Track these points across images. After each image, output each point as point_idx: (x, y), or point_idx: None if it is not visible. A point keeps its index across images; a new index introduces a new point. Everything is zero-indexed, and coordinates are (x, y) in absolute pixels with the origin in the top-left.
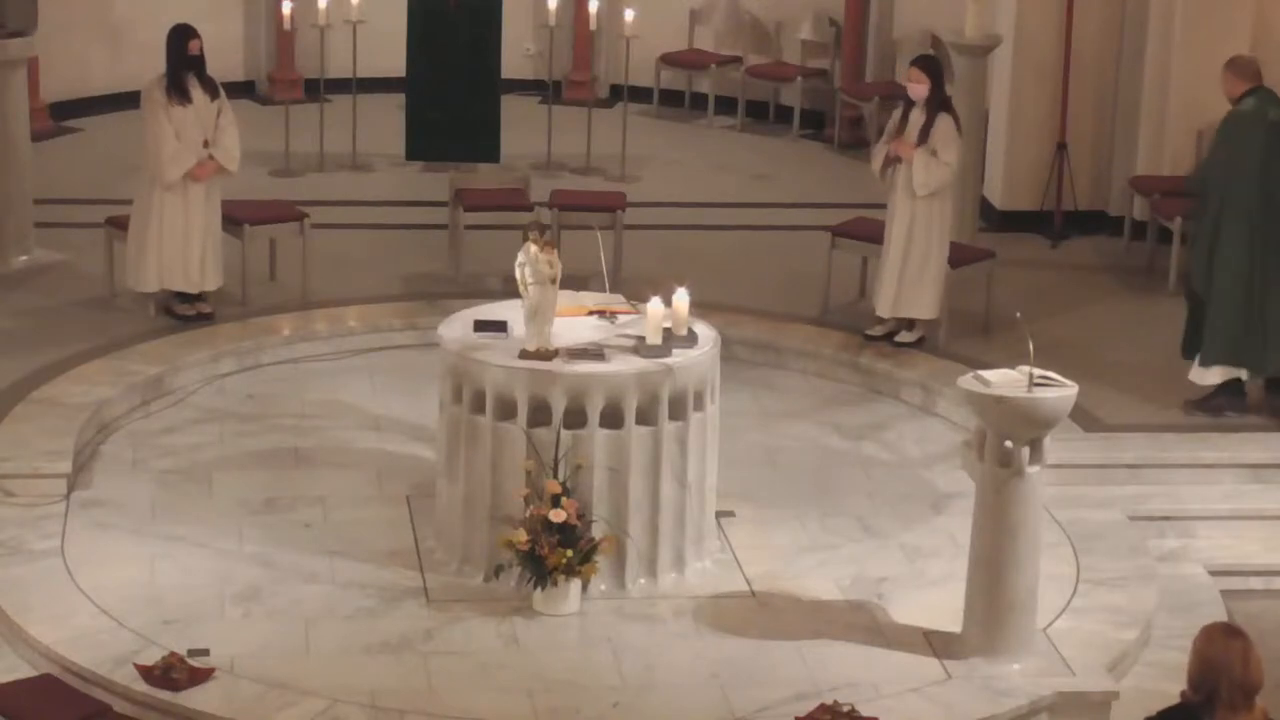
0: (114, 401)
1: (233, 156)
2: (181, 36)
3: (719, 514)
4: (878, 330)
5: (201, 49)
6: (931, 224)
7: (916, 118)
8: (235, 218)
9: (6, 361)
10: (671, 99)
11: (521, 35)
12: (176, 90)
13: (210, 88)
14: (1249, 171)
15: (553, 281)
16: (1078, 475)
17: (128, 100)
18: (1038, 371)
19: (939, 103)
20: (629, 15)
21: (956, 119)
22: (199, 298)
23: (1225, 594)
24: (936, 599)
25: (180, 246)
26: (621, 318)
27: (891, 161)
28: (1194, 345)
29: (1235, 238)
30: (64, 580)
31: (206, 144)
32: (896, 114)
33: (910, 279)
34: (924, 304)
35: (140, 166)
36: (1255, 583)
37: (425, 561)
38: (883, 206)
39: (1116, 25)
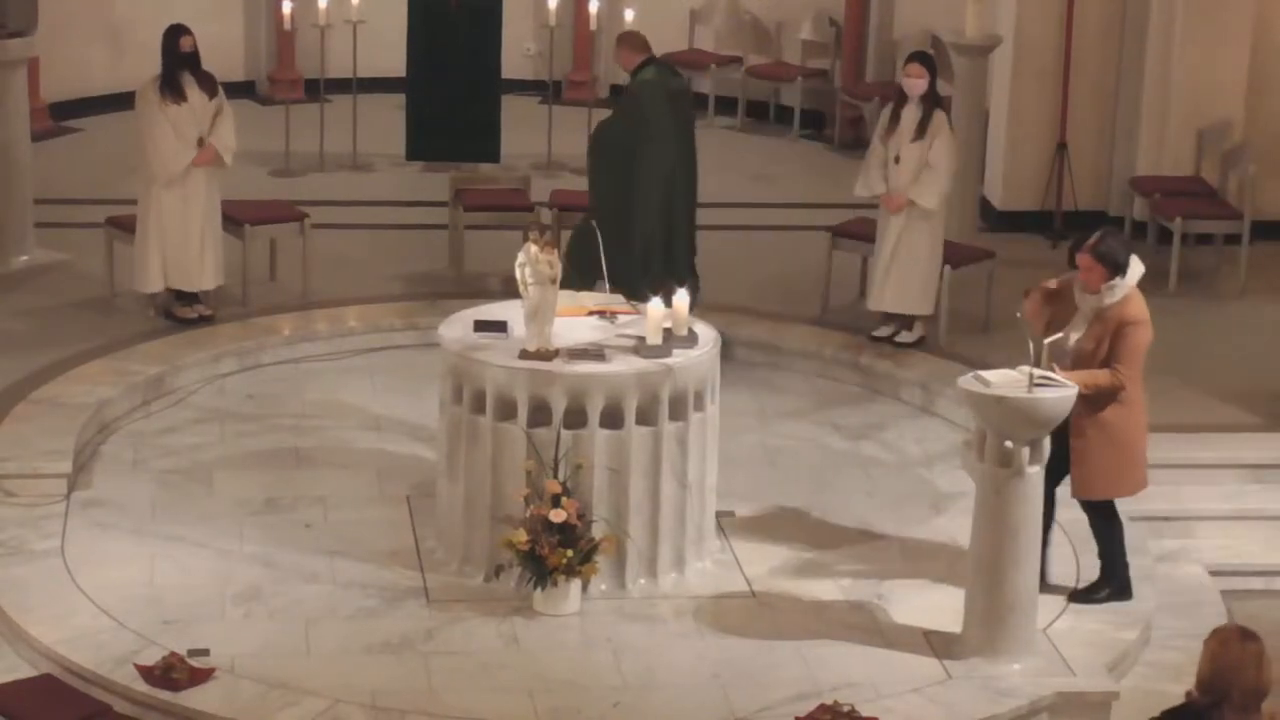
0: (114, 401)
1: (227, 146)
2: (173, 35)
3: (719, 514)
4: (883, 331)
5: (194, 46)
6: (923, 224)
7: (911, 114)
8: (236, 218)
9: (6, 361)
10: None
11: (522, 35)
12: (171, 89)
13: (208, 86)
14: (662, 135)
15: (553, 281)
16: None
17: (128, 100)
18: (1038, 372)
19: (934, 99)
20: (629, 15)
21: (949, 115)
22: (198, 299)
23: (1225, 594)
24: (937, 599)
25: (180, 246)
26: (621, 318)
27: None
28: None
29: (649, 195)
30: (64, 580)
31: (201, 141)
32: (886, 112)
33: (899, 275)
34: (913, 299)
35: (139, 168)
36: (1255, 583)
37: (426, 561)
38: None
39: (1117, 25)
